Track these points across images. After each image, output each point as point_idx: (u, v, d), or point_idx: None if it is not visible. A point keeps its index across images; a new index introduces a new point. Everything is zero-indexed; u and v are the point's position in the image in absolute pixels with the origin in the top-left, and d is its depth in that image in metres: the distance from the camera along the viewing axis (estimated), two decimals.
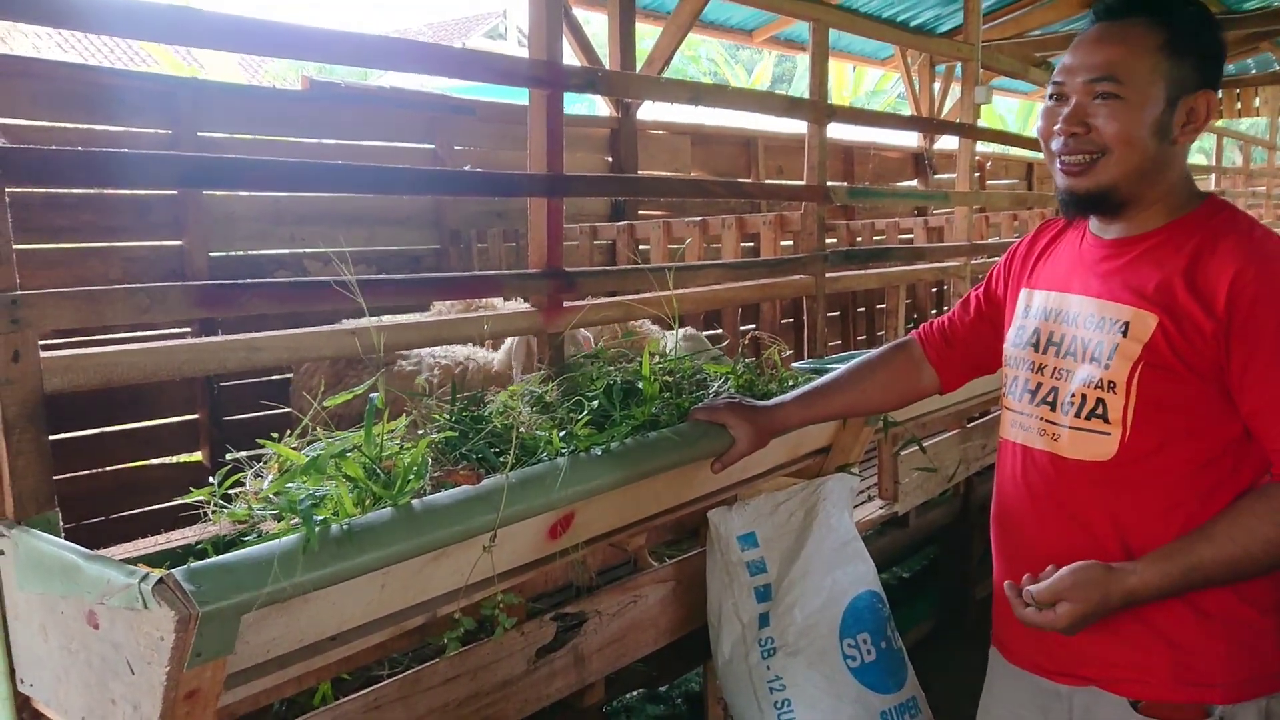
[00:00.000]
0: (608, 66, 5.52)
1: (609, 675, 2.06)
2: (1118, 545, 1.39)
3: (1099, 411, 1.39)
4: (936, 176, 8.40)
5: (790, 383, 2.06)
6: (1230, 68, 9.88)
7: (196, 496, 1.41)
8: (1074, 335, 1.45)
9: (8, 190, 1.32)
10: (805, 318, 3.15)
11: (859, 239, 5.78)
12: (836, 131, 3.91)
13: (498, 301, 3.02)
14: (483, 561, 1.45)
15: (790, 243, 4.57)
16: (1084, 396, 1.40)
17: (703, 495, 1.96)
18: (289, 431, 1.49)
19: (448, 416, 1.64)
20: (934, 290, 5.84)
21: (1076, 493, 1.43)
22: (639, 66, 5.75)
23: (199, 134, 4.04)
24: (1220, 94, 1.43)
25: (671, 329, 2.06)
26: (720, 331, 4.57)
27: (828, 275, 3.10)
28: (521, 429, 1.59)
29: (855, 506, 2.56)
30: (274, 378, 3.85)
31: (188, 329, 3.75)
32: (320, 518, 1.21)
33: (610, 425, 1.68)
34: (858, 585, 2.18)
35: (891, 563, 3.83)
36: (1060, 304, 1.49)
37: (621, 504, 1.72)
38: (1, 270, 1.32)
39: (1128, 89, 1.35)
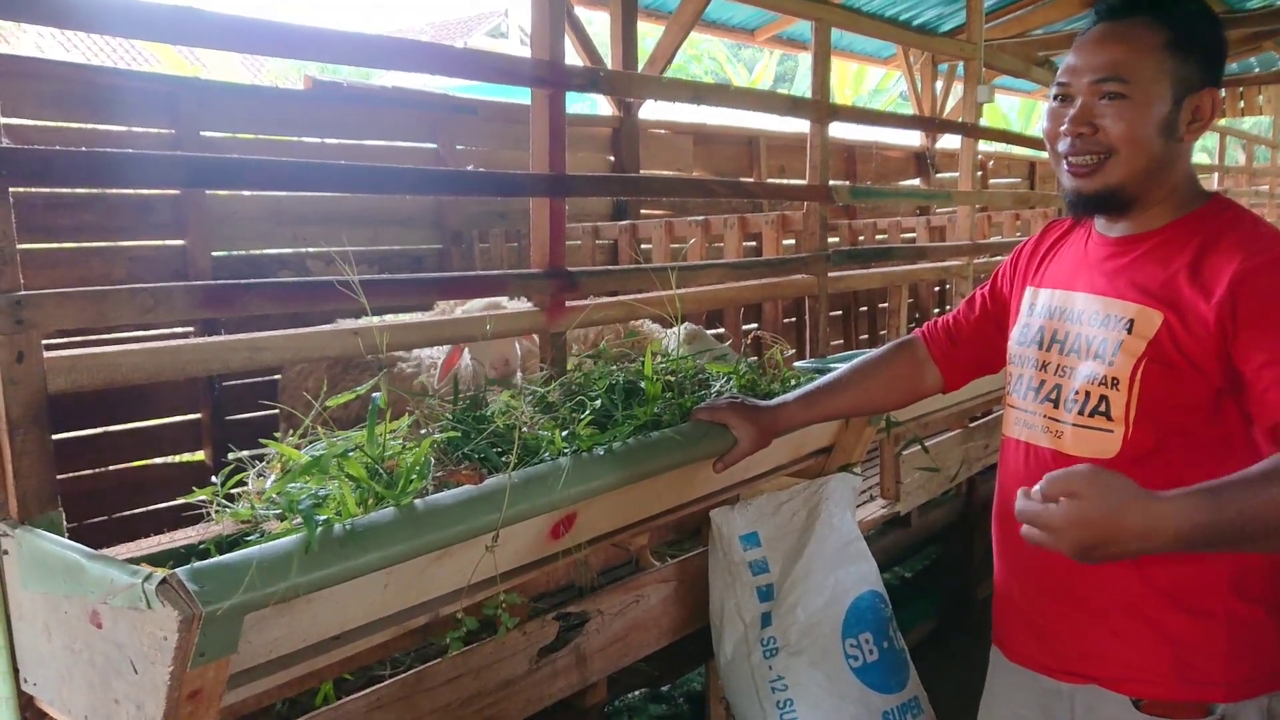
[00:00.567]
0: (610, 66, 5.53)
1: (611, 675, 2.06)
2: None
3: (1102, 409, 1.38)
4: (939, 176, 8.40)
5: (793, 382, 2.06)
6: (1233, 66, 9.87)
7: (199, 496, 1.40)
8: (1078, 332, 1.44)
9: (11, 190, 1.32)
10: (808, 317, 3.15)
11: (861, 238, 5.79)
12: (839, 131, 3.91)
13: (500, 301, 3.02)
14: (485, 561, 1.45)
15: (792, 242, 4.56)
16: (1087, 393, 1.40)
17: (705, 495, 1.96)
18: (289, 431, 1.49)
19: (450, 416, 1.64)
20: (936, 290, 5.85)
21: None
22: (641, 66, 5.75)
23: (201, 134, 4.05)
24: (1223, 92, 1.42)
25: (674, 328, 2.06)
26: (723, 331, 4.57)
27: (830, 275, 3.10)
28: (524, 429, 1.58)
29: (857, 506, 2.56)
30: (275, 377, 3.86)
31: (190, 329, 3.75)
32: (323, 517, 1.21)
33: (612, 425, 1.67)
34: (860, 585, 2.18)
35: (894, 562, 3.83)
36: (1065, 302, 1.49)
37: (624, 504, 1.72)
38: (5, 271, 1.32)
39: (1134, 88, 1.34)
